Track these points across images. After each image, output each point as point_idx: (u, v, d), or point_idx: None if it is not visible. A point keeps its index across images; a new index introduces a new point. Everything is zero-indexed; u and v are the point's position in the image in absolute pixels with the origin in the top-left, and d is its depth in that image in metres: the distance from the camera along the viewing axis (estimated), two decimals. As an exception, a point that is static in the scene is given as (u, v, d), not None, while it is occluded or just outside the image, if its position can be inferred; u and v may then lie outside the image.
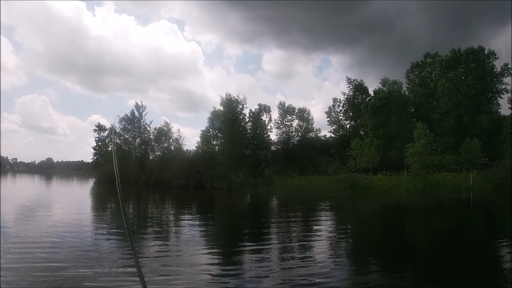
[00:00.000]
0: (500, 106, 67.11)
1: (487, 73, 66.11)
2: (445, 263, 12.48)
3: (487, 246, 15.58)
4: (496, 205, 36.34)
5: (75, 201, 42.12)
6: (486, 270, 11.79)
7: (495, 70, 66.89)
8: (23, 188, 60.05)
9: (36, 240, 15.96)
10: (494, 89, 66.94)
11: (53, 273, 10.79)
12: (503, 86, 66.36)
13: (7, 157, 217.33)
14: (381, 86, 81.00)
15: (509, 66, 65.96)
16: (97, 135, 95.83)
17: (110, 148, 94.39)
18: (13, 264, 11.58)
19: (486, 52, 66.91)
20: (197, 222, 26.00)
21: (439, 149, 57.12)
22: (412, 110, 74.87)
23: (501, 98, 66.65)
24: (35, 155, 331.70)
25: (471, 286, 10.25)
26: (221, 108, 77.55)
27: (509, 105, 63.90)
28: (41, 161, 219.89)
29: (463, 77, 66.72)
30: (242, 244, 17.08)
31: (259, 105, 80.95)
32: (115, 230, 20.35)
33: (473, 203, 39.27)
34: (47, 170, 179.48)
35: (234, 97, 77.34)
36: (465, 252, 14.32)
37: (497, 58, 67.09)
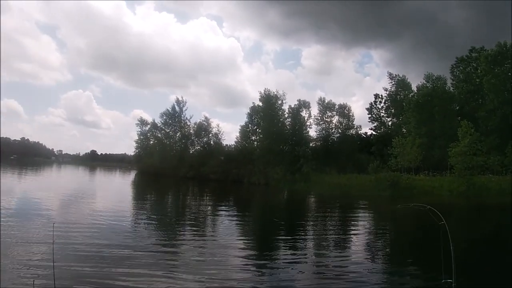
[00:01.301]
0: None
1: (536, 69, 62.76)
2: (482, 268, 12.23)
3: None
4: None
5: (117, 191, 43.70)
6: None
7: (544, 65, 63.38)
8: (68, 178, 62.41)
9: (80, 223, 17.49)
10: (544, 86, 63.50)
11: (94, 251, 12.06)
12: (553, 83, 62.86)
13: (52, 149, 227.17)
14: (424, 82, 77.55)
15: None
16: (140, 129, 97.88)
17: (151, 142, 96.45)
18: (61, 240, 12.68)
19: (534, 46, 63.61)
20: (234, 214, 26.80)
21: (484, 149, 54.68)
22: (457, 108, 72.17)
23: (551, 95, 63.09)
24: (80, 148, 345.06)
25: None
26: (260, 104, 77.80)
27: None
28: (86, 153, 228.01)
29: (510, 73, 63.77)
30: (278, 240, 17.25)
31: (299, 101, 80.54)
32: (154, 217, 22.27)
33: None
34: (91, 162, 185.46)
35: (273, 92, 77.52)
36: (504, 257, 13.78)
37: (546, 53, 63.44)
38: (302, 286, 10.33)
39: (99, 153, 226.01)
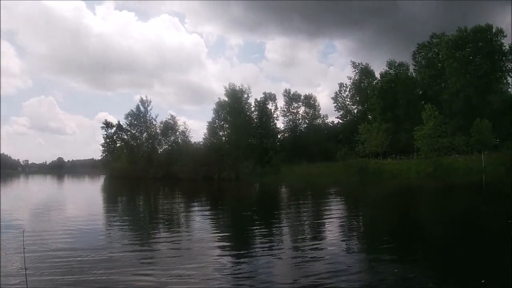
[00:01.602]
0: (510, 85, 65.84)
1: (496, 51, 64.36)
2: (455, 248, 11.91)
3: (498, 231, 14.60)
4: (509, 186, 34.36)
5: (86, 197, 42.35)
6: (495, 254, 11.10)
7: (503, 48, 65.05)
8: (36, 188, 60.08)
9: (51, 230, 16.70)
10: (504, 68, 65.38)
11: (67, 257, 11.53)
12: (512, 65, 64.51)
13: (18, 159, 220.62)
14: (387, 69, 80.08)
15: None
16: (105, 132, 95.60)
17: (118, 144, 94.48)
18: (33, 248, 12.29)
19: (494, 30, 65.07)
20: (207, 210, 26.13)
21: (449, 131, 55.97)
22: (420, 92, 73.68)
23: (511, 77, 65.14)
24: (46, 156, 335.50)
25: (479, 268, 9.58)
26: (226, 99, 77.30)
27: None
28: (52, 161, 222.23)
29: (471, 57, 65.12)
30: (253, 230, 16.74)
31: (264, 93, 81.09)
32: (126, 219, 21.75)
33: (485, 186, 38.06)
34: (59, 169, 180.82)
35: (239, 86, 77.35)
36: (476, 237, 13.62)
37: (505, 36, 65.12)
38: (280, 270, 10.23)
39: (66, 160, 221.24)
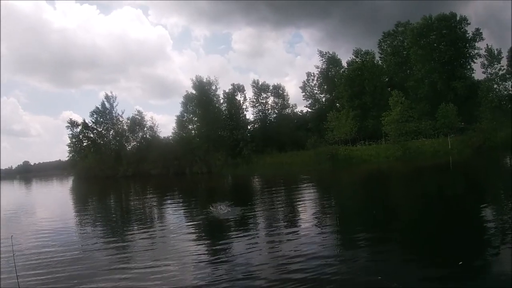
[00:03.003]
0: (474, 71, 67.31)
1: (459, 39, 65.86)
2: (430, 228, 12.05)
3: (467, 208, 15.10)
4: (475, 167, 35.95)
5: (56, 200, 40.66)
6: (466, 230, 11.38)
7: (467, 35, 66.57)
8: (4, 194, 57.57)
9: (27, 235, 16.23)
10: (467, 55, 66.80)
11: (46, 258, 11.51)
12: (476, 51, 66.06)
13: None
14: (354, 57, 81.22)
15: (481, 31, 66.38)
16: (71, 132, 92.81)
17: (85, 144, 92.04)
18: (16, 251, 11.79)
19: (457, 18, 66.59)
20: (180, 205, 25.45)
21: (416, 116, 57.14)
22: (386, 79, 75.13)
23: (474, 63, 66.64)
24: (12, 160, 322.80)
25: (455, 247, 9.57)
26: (194, 92, 76.64)
27: (483, 70, 63.80)
28: (18, 165, 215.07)
29: (435, 44, 66.66)
30: (227, 219, 16.42)
31: (233, 85, 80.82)
32: (99, 218, 21.47)
33: (452, 167, 38.75)
34: (25, 174, 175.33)
35: (206, 78, 76.78)
36: (449, 216, 13.55)
37: (469, 24, 67.10)
38: (257, 253, 10.46)
39: (33, 163, 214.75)
